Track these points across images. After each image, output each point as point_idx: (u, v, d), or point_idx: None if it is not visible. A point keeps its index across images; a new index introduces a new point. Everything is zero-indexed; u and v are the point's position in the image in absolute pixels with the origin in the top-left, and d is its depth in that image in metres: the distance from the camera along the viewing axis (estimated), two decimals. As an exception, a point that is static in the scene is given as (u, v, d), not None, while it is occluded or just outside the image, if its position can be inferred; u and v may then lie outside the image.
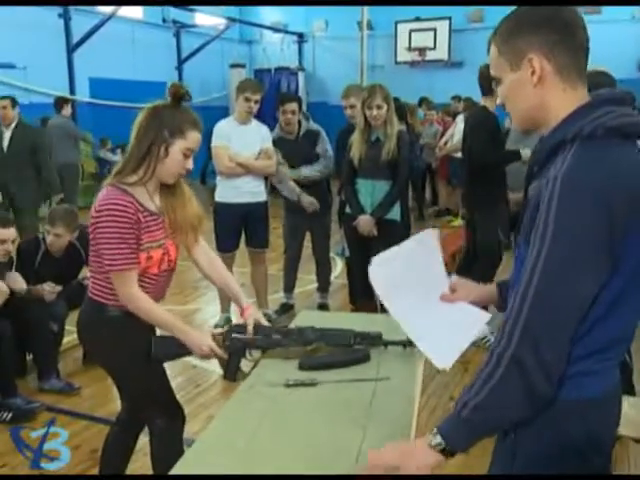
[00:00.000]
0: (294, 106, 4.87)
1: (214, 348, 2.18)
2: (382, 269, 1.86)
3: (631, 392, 3.31)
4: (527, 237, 1.32)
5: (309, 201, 4.91)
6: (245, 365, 2.23)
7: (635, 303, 1.34)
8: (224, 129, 4.63)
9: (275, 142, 4.91)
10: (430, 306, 1.82)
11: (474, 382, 1.32)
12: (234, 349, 2.19)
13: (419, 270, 1.88)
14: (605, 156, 1.27)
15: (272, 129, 5.02)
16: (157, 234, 2.23)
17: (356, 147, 4.15)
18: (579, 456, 1.38)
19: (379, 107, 4.00)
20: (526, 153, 4.61)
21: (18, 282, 3.86)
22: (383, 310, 4.69)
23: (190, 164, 2.24)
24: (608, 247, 1.24)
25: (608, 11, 11.61)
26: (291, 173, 4.94)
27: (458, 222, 9.37)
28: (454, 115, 10.04)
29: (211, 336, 2.21)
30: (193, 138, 2.21)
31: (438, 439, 1.33)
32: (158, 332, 2.37)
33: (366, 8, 7.68)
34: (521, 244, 1.39)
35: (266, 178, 5.08)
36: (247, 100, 4.60)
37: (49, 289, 3.94)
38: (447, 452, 1.33)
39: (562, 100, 1.35)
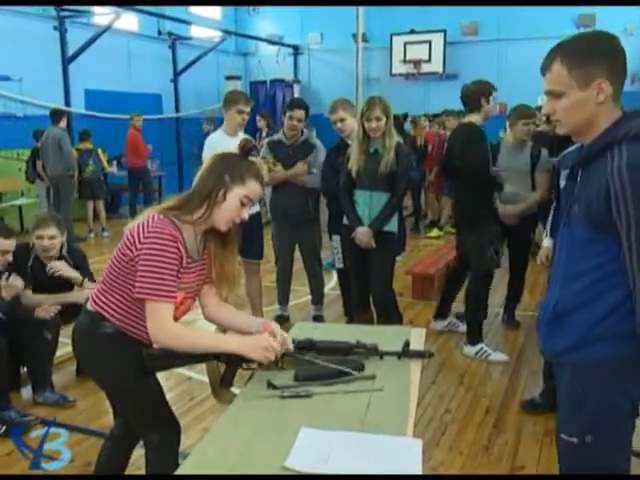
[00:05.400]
0: (301, 114, 4.89)
1: (274, 344, 2.11)
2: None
3: None
4: (586, 215, 1.72)
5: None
6: (240, 376, 2.22)
7: None
8: (216, 141, 4.64)
9: (272, 143, 4.95)
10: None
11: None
12: (232, 358, 2.18)
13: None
14: None
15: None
16: (189, 278, 2.21)
17: (354, 158, 4.13)
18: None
19: (378, 119, 3.99)
20: (509, 190, 4.66)
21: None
22: (379, 322, 4.66)
23: (246, 214, 2.22)
24: None
25: (601, 24, 11.69)
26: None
27: (434, 233, 9.40)
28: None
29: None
30: (252, 187, 2.20)
31: None
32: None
33: (361, 20, 7.68)
34: (568, 220, 1.83)
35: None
36: (241, 112, 4.63)
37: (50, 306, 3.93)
38: None
39: (609, 114, 1.71)
